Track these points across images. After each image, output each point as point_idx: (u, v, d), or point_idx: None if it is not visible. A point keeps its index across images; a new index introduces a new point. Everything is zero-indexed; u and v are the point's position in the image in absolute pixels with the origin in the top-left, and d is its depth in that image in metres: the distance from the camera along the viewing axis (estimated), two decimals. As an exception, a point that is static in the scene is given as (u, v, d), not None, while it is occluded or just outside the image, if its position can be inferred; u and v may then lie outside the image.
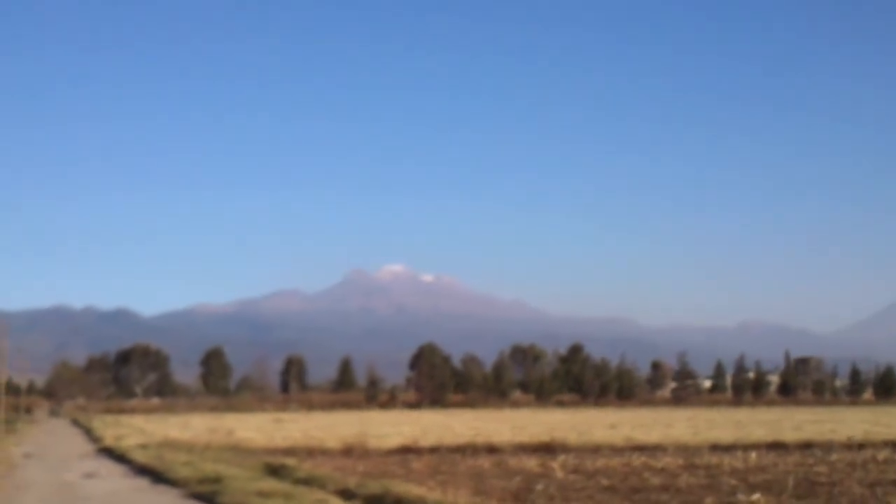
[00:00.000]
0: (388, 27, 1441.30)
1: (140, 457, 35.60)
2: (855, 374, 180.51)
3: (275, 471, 29.57)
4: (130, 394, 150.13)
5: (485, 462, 37.26)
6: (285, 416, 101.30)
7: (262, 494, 21.33)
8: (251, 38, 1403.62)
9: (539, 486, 27.10)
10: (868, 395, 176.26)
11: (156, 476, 29.42)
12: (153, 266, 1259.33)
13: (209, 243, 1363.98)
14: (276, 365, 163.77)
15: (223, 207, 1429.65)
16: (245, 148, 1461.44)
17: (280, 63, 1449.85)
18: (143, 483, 28.04)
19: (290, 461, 32.21)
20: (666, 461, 37.10)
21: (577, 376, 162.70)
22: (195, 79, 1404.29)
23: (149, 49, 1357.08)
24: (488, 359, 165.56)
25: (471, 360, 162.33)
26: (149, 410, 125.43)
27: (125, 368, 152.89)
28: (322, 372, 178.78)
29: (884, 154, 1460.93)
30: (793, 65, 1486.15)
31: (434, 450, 44.24)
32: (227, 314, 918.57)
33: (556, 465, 35.08)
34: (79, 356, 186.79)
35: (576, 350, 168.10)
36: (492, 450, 44.54)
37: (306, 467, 29.82)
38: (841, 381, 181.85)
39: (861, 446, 47.72)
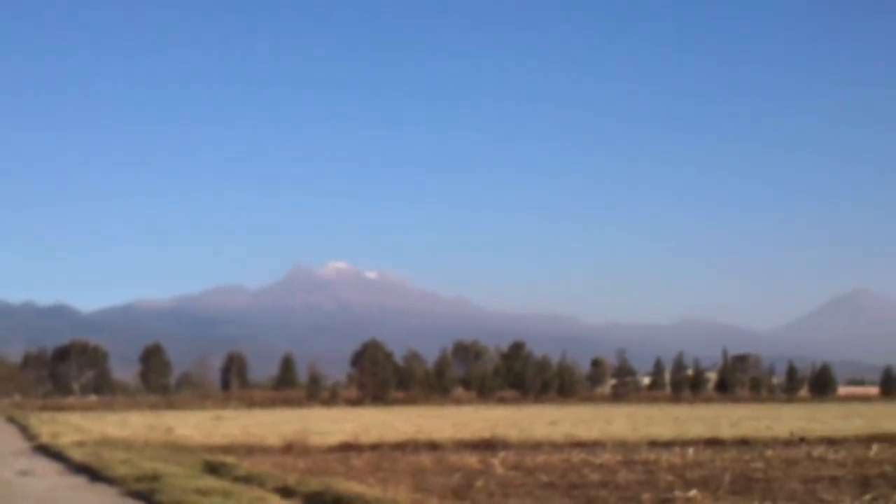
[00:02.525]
0: (337, 32, 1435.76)
1: (77, 454, 35.08)
2: (791, 372, 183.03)
3: (214, 469, 29.33)
4: (68, 391, 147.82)
5: (425, 459, 37.28)
6: (225, 413, 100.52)
7: (201, 492, 21.14)
8: (196, 41, 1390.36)
9: (479, 483, 27.20)
10: (804, 392, 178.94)
11: (92, 474, 29.02)
12: (92, 261, 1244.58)
13: (149, 238, 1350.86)
14: (217, 362, 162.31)
15: (164, 202, 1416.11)
16: (188, 145, 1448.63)
17: (225, 64, 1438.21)
18: (79, 481, 27.66)
19: (230, 459, 31.97)
20: (605, 457, 37.41)
21: (519, 373, 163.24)
22: (139, 79, 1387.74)
23: (94, 48, 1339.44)
24: (431, 356, 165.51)
25: (413, 357, 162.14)
26: (87, 408, 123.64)
27: (63, 365, 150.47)
28: (264, 369, 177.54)
29: (819, 158, 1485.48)
30: (746, 62, 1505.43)
31: (375, 447, 44.19)
32: (168, 310, 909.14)
33: (497, 461, 35.21)
34: (16, 352, 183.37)
35: (517, 347, 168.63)
36: (433, 446, 44.61)
37: (245, 465, 29.63)
38: (777, 379, 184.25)
39: (802, 440, 48.58)
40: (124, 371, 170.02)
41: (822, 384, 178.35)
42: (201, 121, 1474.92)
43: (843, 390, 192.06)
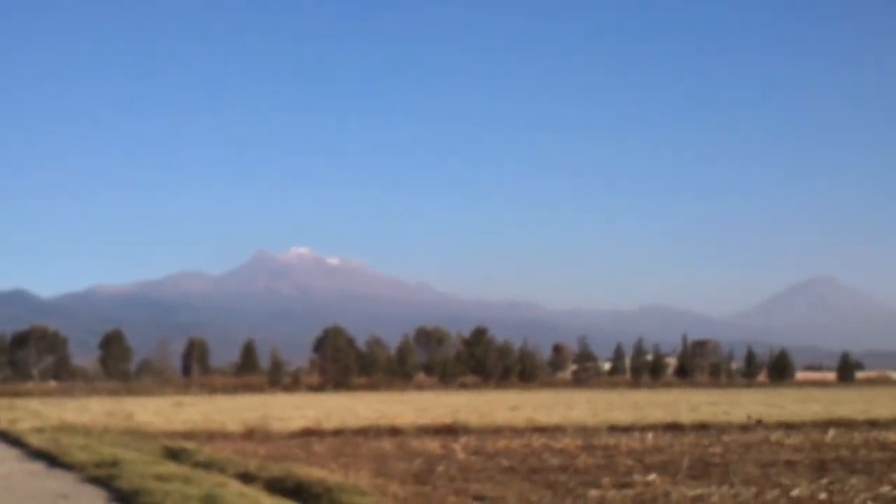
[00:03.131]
0: (308, 23, 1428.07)
1: (35, 440, 34.85)
2: (750, 357, 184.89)
3: (174, 454, 29.25)
4: (27, 377, 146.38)
5: (387, 444, 37.33)
6: (186, 399, 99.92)
7: (161, 478, 21.07)
8: (157, 28, 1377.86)
9: (440, 468, 27.30)
10: (762, 377, 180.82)
11: (51, 460, 28.84)
12: (51, 246, 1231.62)
13: (109, 223, 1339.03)
14: (178, 348, 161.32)
15: (124, 186, 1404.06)
16: (149, 131, 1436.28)
17: (186, 52, 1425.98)
18: (37, 467, 27.47)
19: (190, 445, 31.88)
20: (565, 442, 37.64)
21: (481, 359, 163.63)
22: (97, 66, 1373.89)
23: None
24: (393, 342, 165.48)
25: (375, 343, 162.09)
26: (46, 394, 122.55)
27: (21, 351, 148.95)
28: (225, 354, 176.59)
29: (780, 147, 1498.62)
30: (713, 49, 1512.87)
31: (337, 432, 44.16)
32: (128, 295, 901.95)
33: (458, 446, 35.34)
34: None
35: (480, 333, 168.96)
36: (394, 432, 44.62)
37: (206, 451, 29.56)
38: (736, 364, 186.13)
39: (759, 422, 49.11)
40: (84, 357, 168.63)
41: (780, 369, 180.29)
42: (162, 108, 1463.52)
43: (800, 375, 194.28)
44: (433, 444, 36.47)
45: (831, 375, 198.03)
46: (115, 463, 24.72)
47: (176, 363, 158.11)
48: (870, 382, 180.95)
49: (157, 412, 63.22)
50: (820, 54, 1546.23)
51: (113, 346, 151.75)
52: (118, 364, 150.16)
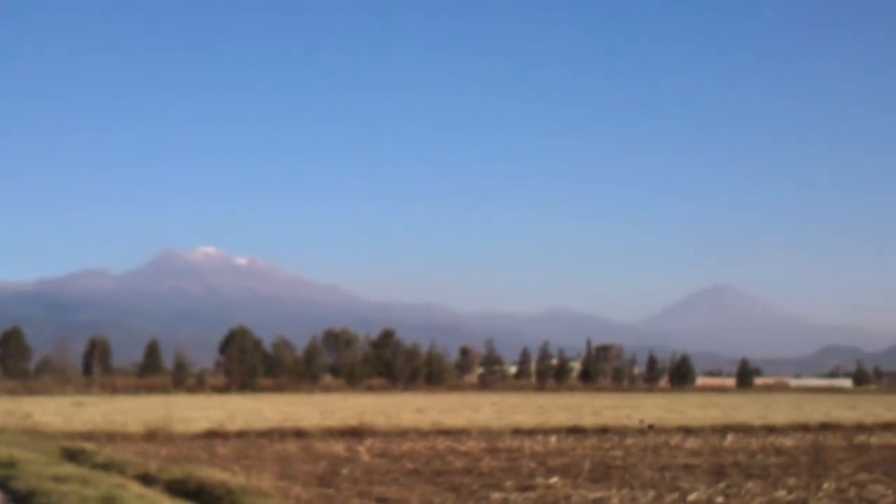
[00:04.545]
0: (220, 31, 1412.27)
1: (-72, 441, 33.92)
2: (652, 362, 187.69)
3: (73, 455, 28.75)
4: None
5: (292, 446, 37.19)
6: (87, 399, 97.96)
7: (58, 479, 20.70)
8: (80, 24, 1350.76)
9: (345, 470, 27.32)
10: (664, 382, 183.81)
11: (-56, 461, 28.10)
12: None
13: (10, 219, 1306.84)
14: (80, 347, 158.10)
15: (26, 182, 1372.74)
16: (51, 123, 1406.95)
17: (100, 44, 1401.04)
18: (-71, 468, 26.73)
19: (89, 446, 31.38)
20: (470, 445, 37.92)
21: (388, 361, 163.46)
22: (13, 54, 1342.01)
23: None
24: (301, 343, 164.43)
25: (282, 344, 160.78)
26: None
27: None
28: (129, 354, 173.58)
29: (685, 152, 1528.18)
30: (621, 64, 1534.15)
31: (241, 434, 43.83)
32: (29, 293, 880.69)
33: (363, 449, 35.38)
34: None
35: (387, 335, 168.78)
36: (300, 434, 44.47)
37: (106, 452, 29.13)
38: (639, 369, 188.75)
39: (651, 427, 50.01)
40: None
41: (681, 375, 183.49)
42: (65, 103, 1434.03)
43: (701, 381, 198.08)
44: (338, 447, 36.45)
45: (731, 381, 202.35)
46: (11, 463, 24.21)
47: (77, 363, 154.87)
48: (767, 388, 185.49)
49: (57, 412, 61.90)
50: (730, 55, 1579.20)
51: (11, 344, 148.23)
52: (17, 363, 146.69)
